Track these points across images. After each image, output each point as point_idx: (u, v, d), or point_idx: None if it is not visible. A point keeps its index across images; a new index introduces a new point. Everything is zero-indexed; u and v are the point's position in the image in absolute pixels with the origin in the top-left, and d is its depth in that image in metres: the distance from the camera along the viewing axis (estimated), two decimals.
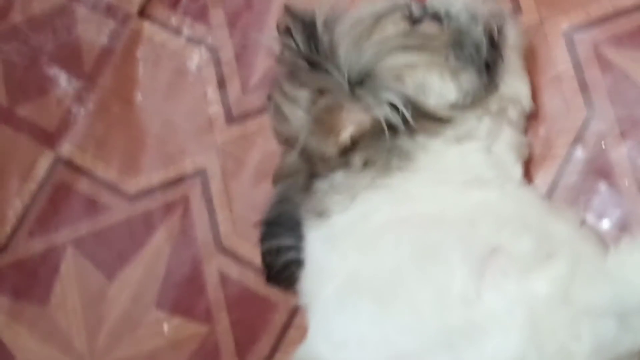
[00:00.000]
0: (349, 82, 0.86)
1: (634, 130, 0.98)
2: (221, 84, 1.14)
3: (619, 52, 1.00)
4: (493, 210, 0.86)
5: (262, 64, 1.13)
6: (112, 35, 1.21)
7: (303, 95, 0.89)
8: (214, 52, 1.16)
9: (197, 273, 1.11)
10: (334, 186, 0.89)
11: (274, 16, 1.13)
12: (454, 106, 0.89)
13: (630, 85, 0.99)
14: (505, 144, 0.92)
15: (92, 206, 1.16)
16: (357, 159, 0.88)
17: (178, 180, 1.14)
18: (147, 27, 1.20)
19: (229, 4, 1.17)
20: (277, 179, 0.96)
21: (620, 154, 0.98)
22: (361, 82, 0.87)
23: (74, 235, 1.17)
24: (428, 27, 0.92)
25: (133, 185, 1.16)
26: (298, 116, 0.89)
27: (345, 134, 0.87)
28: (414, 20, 0.92)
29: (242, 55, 1.15)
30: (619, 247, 0.85)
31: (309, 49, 0.88)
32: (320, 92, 0.87)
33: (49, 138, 1.20)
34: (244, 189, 1.11)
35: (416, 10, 0.93)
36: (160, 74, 1.18)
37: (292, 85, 0.90)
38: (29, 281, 1.17)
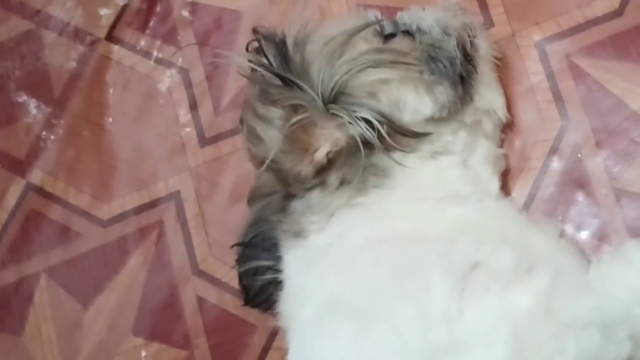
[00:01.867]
0: (323, 100, 0.85)
1: (609, 140, 0.98)
2: (192, 106, 1.13)
3: (591, 61, 1.00)
4: (471, 226, 0.85)
5: (234, 84, 1.12)
6: (81, 59, 1.19)
7: (276, 114, 0.87)
8: (184, 73, 1.15)
9: (174, 298, 1.10)
10: (310, 206, 0.88)
11: (243, 36, 1.13)
12: (430, 120, 0.89)
13: (604, 94, 0.99)
14: (482, 157, 0.92)
15: (65, 233, 1.15)
16: (333, 177, 0.87)
17: (151, 205, 1.13)
18: (116, 51, 1.19)
19: (198, 25, 1.16)
20: (253, 200, 0.95)
21: (596, 163, 0.98)
22: (335, 99, 0.86)
23: (47, 264, 1.15)
24: (400, 42, 0.92)
25: (106, 211, 1.14)
26: (272, 136, 0.88)
27: (321, 153, 0.86)
28: (385, 37, 0.92)
29: (213, 76, 1.14)
30: (600, 259, 0.84)
31: (281, 67, 0.88)
32: (294, 109, 0.86)
33: (18, 166, 1.19)
34: (219, 211, 1.10)
35: (388, 27, 0.93)
36: (130, 97, 1.17)
37: (264, 104, 0.88)
38: (2, 311, 1.16)
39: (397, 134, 0.86)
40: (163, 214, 1.12)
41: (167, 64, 1.16)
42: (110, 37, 1.19)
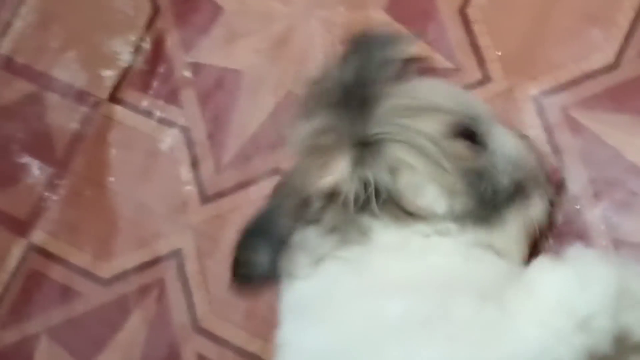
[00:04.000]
0: (356, 139, 0.85)
1: (608, 191, 0.98)
2: (194, 164, 1.14)
3: (588, 114, 1.01)
4: (450, 277, 0.84)
5: (235, 142, 1.13)
6: (83, 120, 1.21)
7: (315, 119, 0.88)
8: (186, 132, 1.16)
9: (175, 356, 1.09)
10: (304, 243, 0.87)
11: (244, 94, 1.14)
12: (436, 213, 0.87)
13: (601, 146, 0.99)
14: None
15: (66, 293, 1.15)
16: (328, 218, 0.86)
17: (153, 263, 1.13)
18: (119, 111, 1.20)
19: (199, 84, 1.17)
20: (277, 189, 0.94)
21: (595, 215, 0.98)
22: (365, 146, 0.85)
23: (47, 324, 1.15)
24: (462, 147, 0.88)
25: (107, 269, 1.14)
26: (299, 136, 0.89)
27: (326, 181, 0.85)
28: (458, 133, 0.89)
29: (214, 134, 1.15)
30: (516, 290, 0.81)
31: (348, 87, 0.87)
32: (327, 128, 0.86)
33: (20, 226, 1.19)
34: (220, 268, 1.10)
35: (471, 124, 0.90)
36: (132, 157, 1.18)
37: (314, 105, 0.89)
38: None
39: (395, 208, 0.85)
40: (164, 272, 1.12)
41: (169, 123, 1.17)
42: (113, 98, 1.21)
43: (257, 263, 0.90)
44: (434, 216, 0.86)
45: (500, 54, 1.06)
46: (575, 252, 0.81)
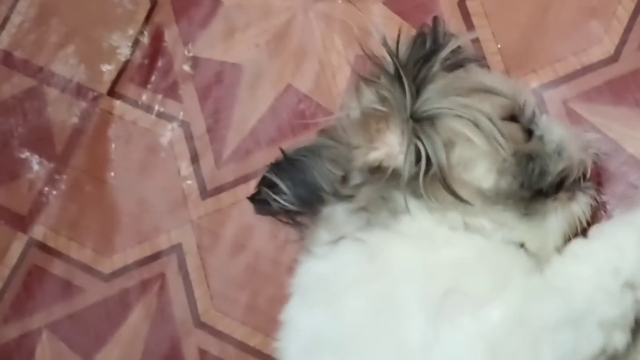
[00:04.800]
0: (410, 112, 0.85)
1: (608, 184, 0.98)
2: (194, 158, 1.14)
3: (588, 107, 1.01)
4: (462, 264, 0.84)
5: (234, 137, 1.13)
6: (83, 115, 1.21)
7: (370, 93, 0.88)
8: (185, 127, 1.16)
9: (176, 351, 1.09)
10: (330, 219, 0.89)
11: (244, 89, 1.14)
12: (479, 193, 0.87)
13: (602, 139, 0.98)
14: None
15: (67, 288, 1.15)
16: (361, 195, 0.87)
17: (153, 258, 1.13)
18: (118, 106, 1.20)
19: (199, 79, 1.17)
20: (323, 133, 0.95)
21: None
22: (420, 120, 0.85)
23: (49, 319, 1.15)
24: (516, 129, 0.90)
25: (108, 265, 1.14)
26: (352, 108, 0.89)
27: (375, 155, 0.86)
28: (513, 118, 0.90)
29: (214, 129, 1.15)
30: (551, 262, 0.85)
31: (405, 63, 0.87)
32: (382, 99, 0.87)
33: (21, 221, 1.19)
34: (221, 263, 1.10)
35: (519, 109, 0.92)
36: (132, 151, 1.18)
37: (370, 79, 0.89)
38: None
39: (438, 184, 0.85)
40: (165, 267, 1.12)
41: (168, 117, 1.17)
42: (112, 92, 1.20)
43: (279, 192, 0.93)
44: (475, 197, 0.86)
45: (500, 47, 1.05)
46: (601, 227, 0.86)
